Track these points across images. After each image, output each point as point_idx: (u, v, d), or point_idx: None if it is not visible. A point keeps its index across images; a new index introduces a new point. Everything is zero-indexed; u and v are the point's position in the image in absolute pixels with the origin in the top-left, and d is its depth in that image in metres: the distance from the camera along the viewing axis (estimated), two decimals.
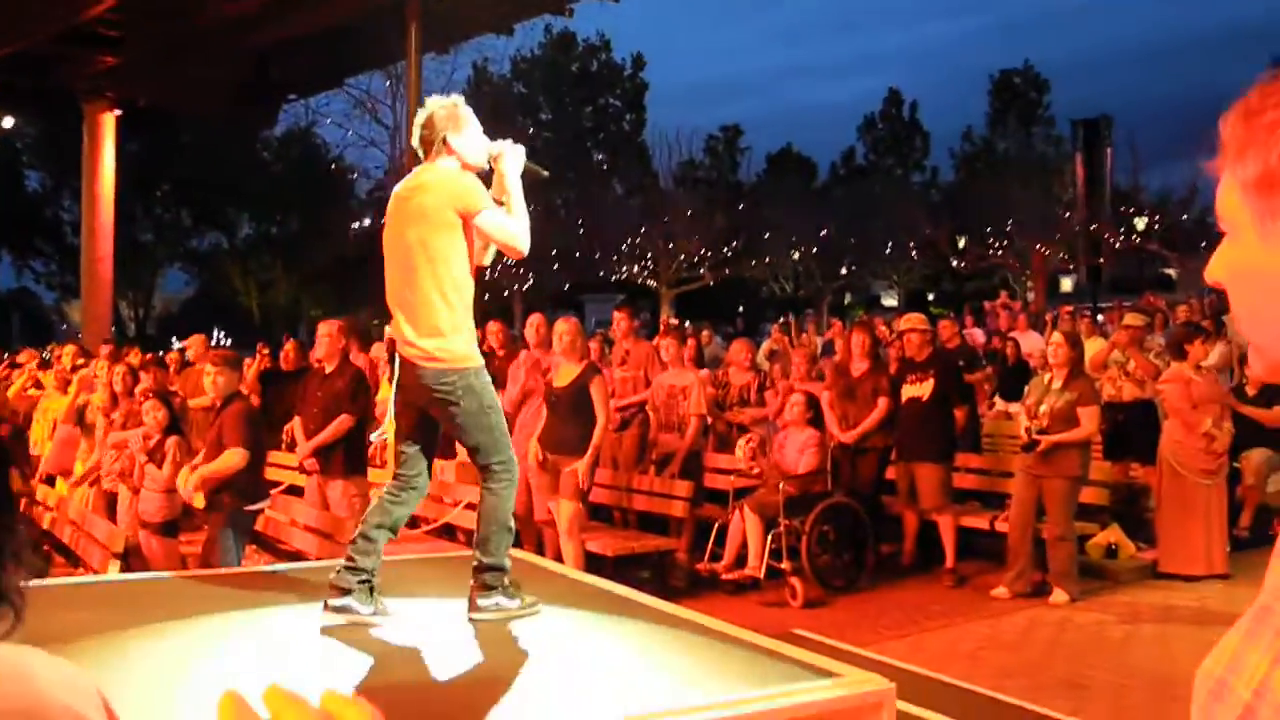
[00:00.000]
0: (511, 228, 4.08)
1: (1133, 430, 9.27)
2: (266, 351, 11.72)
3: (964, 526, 8.37)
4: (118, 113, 21.75)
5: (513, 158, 4.19)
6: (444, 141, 4.08)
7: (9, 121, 22.30)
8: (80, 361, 10.43)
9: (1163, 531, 8.14)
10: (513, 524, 4.17)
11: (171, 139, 36.30)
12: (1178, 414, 8.07)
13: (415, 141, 4.18)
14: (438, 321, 4.00)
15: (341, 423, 7.47)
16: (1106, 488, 8.40)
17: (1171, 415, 8.20)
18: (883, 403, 8.28)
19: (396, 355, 4.16)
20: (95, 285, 22.37)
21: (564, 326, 7.58)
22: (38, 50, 18.39)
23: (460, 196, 4.00)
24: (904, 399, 8.34)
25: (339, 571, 4.01)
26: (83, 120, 21.88)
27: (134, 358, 10.15)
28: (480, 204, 4.01)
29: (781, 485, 7.60)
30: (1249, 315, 0.92)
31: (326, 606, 3.95)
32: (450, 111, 4.11)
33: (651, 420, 8.91)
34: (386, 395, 9.18)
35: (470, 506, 7.48)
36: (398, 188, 4.19)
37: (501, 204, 4.13)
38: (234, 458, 6.26)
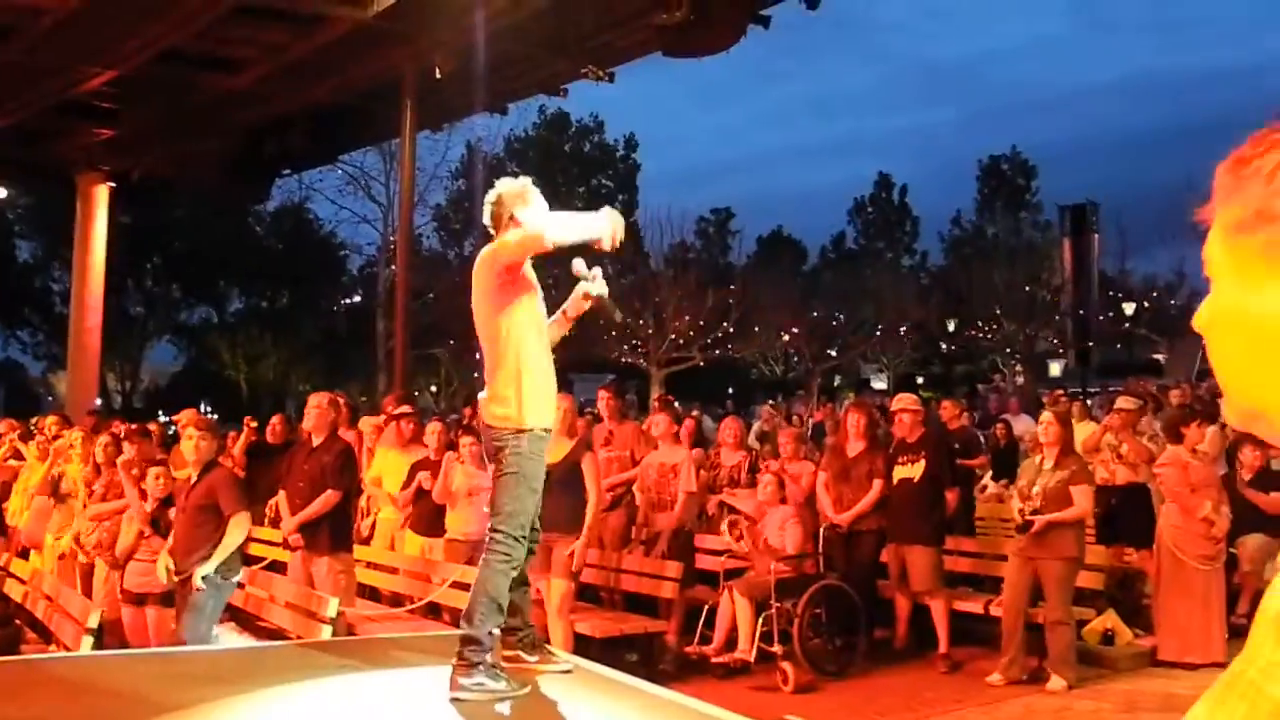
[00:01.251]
0: (527, 227, 4.23)
1: (1126, 514, 9.18)
2: (254, 425, 11.59)
3: (958, 610, 8.23)
4: (111, 185, 21.80)
5: (590, 283, 4.48)
6: (511, 217, 4.31)
7: (2, 192, 22.31)
8: (62, 432, 10.28)
9: (1161, 618, 8.00)
10: (504, 602, 4.09)
11: (164, 212, 36.39)
12: (1176, 498, 7.98)
13: (486, 219, 4.42)
14: (497, 383, 4.20)
15: (328, 498, 7.31)
16: (1101, 572, 8.28)
17: (1169, 499, 8.11)
18: (878, 484, 8.18)
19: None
20: (82, 356, 22.21)
21: (560, 403, 7.49)
22: (33, 122, 18.46)
23: (496, 249, 4.23)
24: (895, 480, 8.24)
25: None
26: (75, 192, 21.93)
27: (118, 428, 10.00)
28: (509, 235, 4.23)
29: (773, 566, 7.47)
30: (1223, 361, 0.92)
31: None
32: (520, 190, 4.39)
33: (640, 500, 8.78)
34: (377, 473, 9.09)
35: (456, 585, 7.34)
36: None
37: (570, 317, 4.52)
38: (244, 522, 6.23)
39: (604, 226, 4.25)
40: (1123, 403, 10.06)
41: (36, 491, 8.94)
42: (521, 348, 4.21)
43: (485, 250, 4.32)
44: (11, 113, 17.92)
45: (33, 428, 12.26)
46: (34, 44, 14.72)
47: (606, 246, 4.25)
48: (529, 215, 4.32)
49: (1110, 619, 8.16)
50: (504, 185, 4.43)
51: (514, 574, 4.16)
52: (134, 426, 9.56)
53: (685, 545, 8.50)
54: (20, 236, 41.01)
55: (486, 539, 4.15)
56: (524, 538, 4.16)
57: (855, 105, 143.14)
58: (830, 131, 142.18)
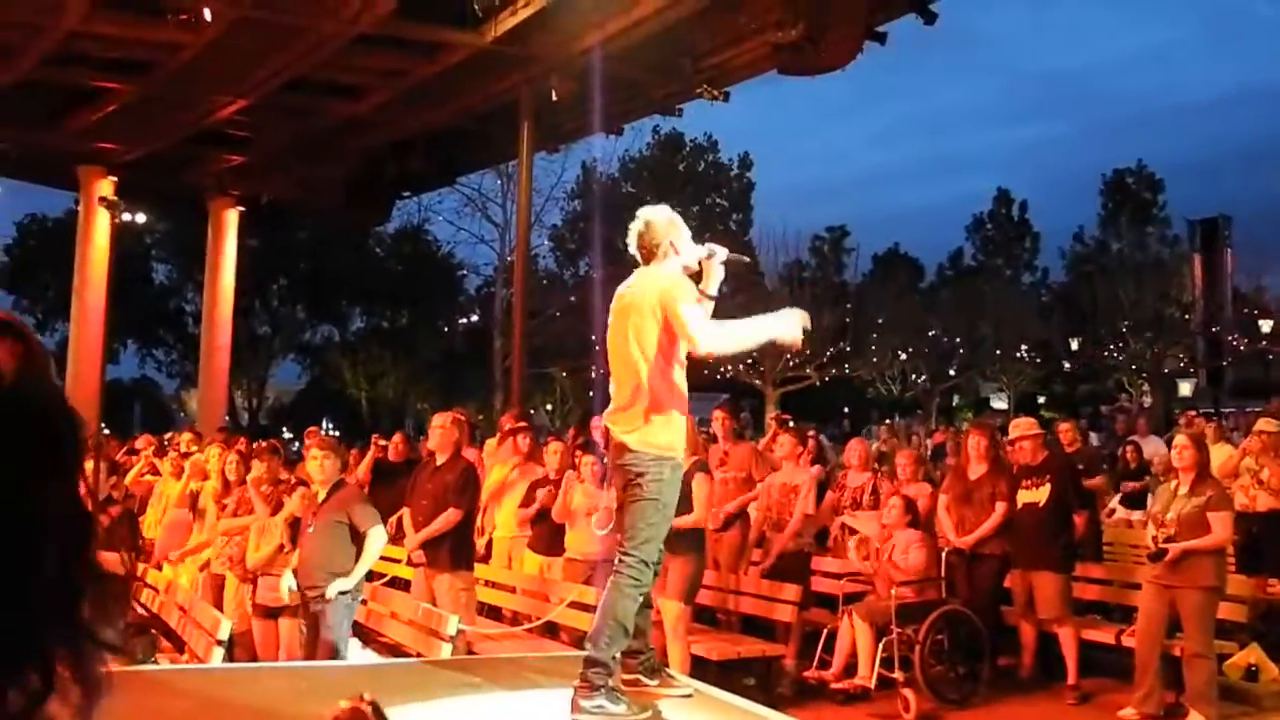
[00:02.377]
0: (692, 323, 4.20)
1: (1269, 543, 8.78)
2: (383, 444, 11.79)
3: (1086, 640, 7.94)
4: (240, 209, 22.57)
5: (720, 255, 4.48)
6: (671, 244, 4.35)
7: (141, 217, 23.25)
8: (194, 448, 10.62)
9: None
10: (630, 625, 4.07)
11: (289, 235, 37.49)
12: None
13: (633, 248, 4.45)
14: (641, 409, 4.20)
15: (449, 516, 7.38)
16: (1244, 604, 7.90)
17: None
18: (1001, 507, 7.96)
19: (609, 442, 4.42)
20: (212, 374, 23.02)
21: None
22: (169, 150, 19.22)
23: (665, 292, 4.22)
24: (1020, 504, 8.01)
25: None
26: (207, 216, 22.75)
27: (244, 445, 10.29)
28: (680, 299, 4.20)
29: (895, 591, 7.33)
30: None
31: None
32: (671, 219, 4.43)
33: (756, 519, 8.67)
34: (492, 489, 9.16)
35: (574, 605, 7.35)
36: (620, 289, 4.46)
37: (711, 296, 4.46)
38: (380, 536, 6.40)
39: (788, 329, 4.32)
40: (1263, 425, 9.61)
41: (174, 505, 9.24)
42: (673, 376, 4.26)
43: (656, 289, 4.27)
44: (151, 142, 18.70)
45: (166, 443, 12.72)
46: (172, 77, 15.33)
47: (796, 345, 4.38)
48: (683, 245, 4.38)
49: (1254, 653, 7.79)
50: (650, 213, 4.44)
51: (641, 599, 4.14)
52: (263, 444, 9.81)
53: (802, 567, 8.38)
54: (157, 260, 42.60)
55: (617, 561, 4.14)
56: (656, 563, 4.15)
57: (971, 120, 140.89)
58: (946, 147, 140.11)
